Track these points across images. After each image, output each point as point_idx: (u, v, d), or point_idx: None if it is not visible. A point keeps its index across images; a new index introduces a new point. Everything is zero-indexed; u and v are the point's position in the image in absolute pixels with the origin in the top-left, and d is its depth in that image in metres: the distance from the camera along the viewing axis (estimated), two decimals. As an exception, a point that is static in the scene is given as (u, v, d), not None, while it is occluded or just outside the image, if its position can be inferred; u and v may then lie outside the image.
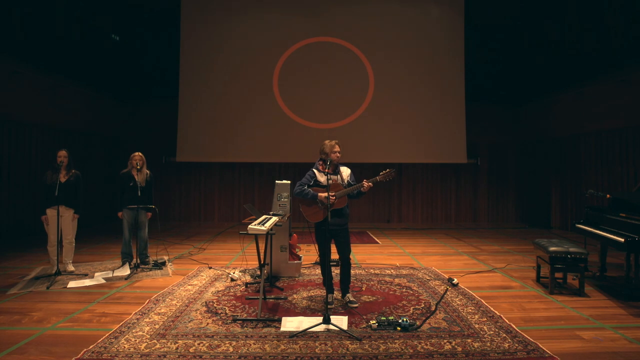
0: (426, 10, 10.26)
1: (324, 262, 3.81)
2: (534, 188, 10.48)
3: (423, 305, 3.87)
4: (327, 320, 3.23)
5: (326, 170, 3.76)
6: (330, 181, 3.68)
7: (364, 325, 3.35)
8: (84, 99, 9.03)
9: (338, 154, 3.79)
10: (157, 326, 3.31)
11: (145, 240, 5.48)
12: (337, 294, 4.11)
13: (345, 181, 3.88)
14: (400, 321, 3.28)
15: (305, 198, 3.75)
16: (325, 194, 3.57)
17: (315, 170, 3.88)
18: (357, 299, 4.01)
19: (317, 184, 3.82)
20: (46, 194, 4.87)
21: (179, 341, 3.02)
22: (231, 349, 2.89)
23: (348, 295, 3.95)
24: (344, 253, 3.89)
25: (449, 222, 10.74)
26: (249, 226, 3.59)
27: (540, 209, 10.13)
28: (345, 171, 3.94)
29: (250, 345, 2.96)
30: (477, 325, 3.35)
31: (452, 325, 3.37)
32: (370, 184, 3.66)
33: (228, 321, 3.43)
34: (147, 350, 2.87)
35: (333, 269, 4.35)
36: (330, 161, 3.74)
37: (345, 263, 3.93)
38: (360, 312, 3.68)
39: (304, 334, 3.14)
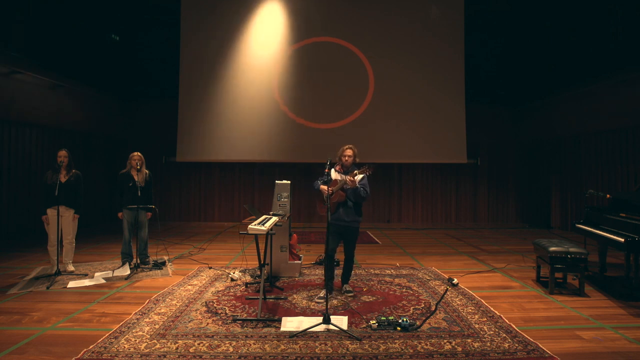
0: (426, 10, 10.25)
1: (327, 255, 4.04)
2: (534, 188, 10.48)
3: (423, 305, 3.87)
4: (327, 320, 3.23)
5: (336, 169, 4.18)
6: (339, 178, 4.08)
7: (364, 325, 3.35)
8: (84, 99, 9.03)
9: (347, 158, 4.13)
10: (157, 326, 3.31)
11: (145, 241, 5.48)
12: (336, 294, 4.18)
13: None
14: (400, 321, 3.28)
15: (314, 188, 4.18)
16: (326, 187, 3.96)
17: (333, 170, 4.25)
18: (357, 299, 4.06)
19: (330, 181, 4.17)
20: (46, 194, 4.87)
21: (179, 341, 3.02)
22: (231, 349, 2.89)
23: (346, 285, 4.29)
24: (348, 252, 4.23)
25: (449, 222, 10.74)
26: (249, 226, 3.60)
27: (540, 209, 10.13)
28: (353, 174, 4.07)
29: (250, 345, 2.96)
30: (477, 325, 3.35)
31: (452, 325, 3.37)
32: (352, 178, 3.93)
33: (228, 321, 3.43)
34: (147, 350, 2.87)
35: (335, 269, 4.43)
36: (342, 163, 4.15)
37: (348, 259, 4.27)
38: (360, 312, 3.68)
39: (304, 334, 3.14)
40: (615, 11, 8.17)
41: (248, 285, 4.51)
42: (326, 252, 3.99)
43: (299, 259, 5.19)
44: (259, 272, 4.80)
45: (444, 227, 9.89)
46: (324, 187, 3.96)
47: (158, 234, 6.86)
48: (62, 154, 4.97)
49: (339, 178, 4.09)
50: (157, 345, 2.95)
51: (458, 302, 3.97)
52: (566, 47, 9.56)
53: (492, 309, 3.75)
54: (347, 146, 4.19)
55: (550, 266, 4.27)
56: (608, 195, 5.09)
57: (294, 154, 9.96)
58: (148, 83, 10.78)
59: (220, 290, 4.32)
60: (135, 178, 5.26)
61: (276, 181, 4.98)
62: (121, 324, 3.35)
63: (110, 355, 2.78)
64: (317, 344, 2.98)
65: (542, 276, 4.72)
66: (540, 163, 10.22)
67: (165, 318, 3.50)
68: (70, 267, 5.09)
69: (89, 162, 9.50)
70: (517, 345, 2.97)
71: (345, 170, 4.15)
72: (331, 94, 10.05)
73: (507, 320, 3.45)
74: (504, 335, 3.15)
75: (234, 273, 4.93)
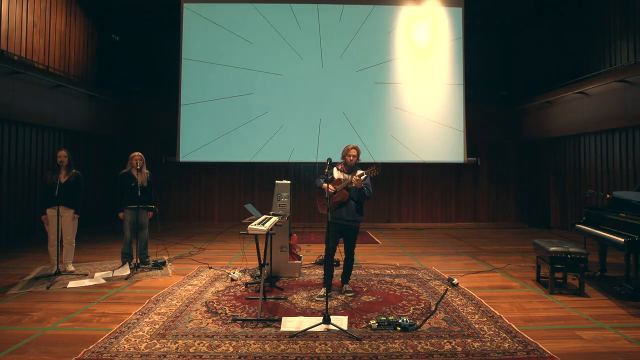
0: (426, 9, 10.26)
1: (327, 254, 4.05)
2: (534, 188, 10.48)
3: (423, 305, 3.87)
4: (327, 320, 3.23)
5: (339, 167, 4.18)
6: (342, 177, 4.11)
7: (364, 325, 3.35)
8: (84, 98, 9.03)
9: (352, 157, 4.13)
10: (157, 326, 3.31)
11: (146, 241, 5.47)
12: (336, 294, 4.18)
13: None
14: (400, 321, 3.28)
15: (316, 186, 4.20)
16: (329, 185, 3.97)
17: (335, 169, 4.22)
18: (357, 299, 4.06)
19: (333, 180, 4.17)
20: (46, 194, 4.86)
21: (179, 341, 3.02)
22: (231, 349, 2.89)
23: (346, 285, 4.29)
24: (348, 251, 4.23)
25: (449, 222, 10.74)
26: (249, 226, 3.60)
27: (540, 209, 10.13)
28: (357, 173, 4.08)
29: (250, 345, 2.96)
30: (477, 325, 3.35)
31: (452, 325, 3.36)
32: (357, 177, 3.93)
33: (228, 321, 3.43)
34: (147, 350, 2.87)
35: (335, 269, 4.44)
36: (346, 163, 4.14)
37: (348, 257, 4.27)
38: (360, 312, 3.68)
39: (304, 334, 3.14)
40: (615, 10, 8.16)
41: (248, 285, 4.51)
42: (326, 250, 4.01)
43: (299, 259, 5.19)
44: (259, 272, 4.80)
45: (444, 227, 9.89)
46: (327, 185, 3.96)
47: (158, 234, 6.86)
48: (62, 154, 4.97)
49: (342, 177, 4.11)
50: (157, 345, 2.95)
51: (458, 302, 3.97)
52: (566, 46, 9.55)
53: (492, 309, 3.75)
54: (351, 145, 4.18)
55: (550, 266, 4.27)
56: (608, 195, 5.09)
57: (294, 153, 9.97)
58: (148, 83, 10.78)
59: (220, 290, 4.32)
60: (137, 178, 5.26)
61: (276, 181, 4.98)
62: (121, 324, 3.35)
63: (110, 355, 2.78)
64: (317, 344, 2.98)
65: (542, 276, 4.72)
66: (540, 163, 10.22)
67: (165, 318, 3.50)
68: (70, 267, 5.09)
69: (89, 162, 9.50)
70: (517, 345, 2.97)
71: (349, 169, 4.16)
72: (331, 94, 10.06)
73: (507, 320, 3.45)
74: (504, 335, 3.15)
75: (234, 273, 4.93)
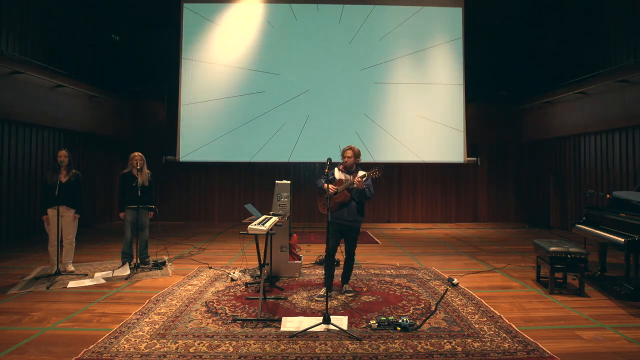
0: (426, 9, 10.26)
1: (328, 254, 4.04)
2: (534, 188, 10.49)
3: (423, 305, 3.87)
4: (327, 320, 3.23)
5: (340, 168, 4.22)
6: (343, 178, 4.15)
7: (364, 325, 3.35)
8: (84, 99, 9.03)
9: (347, 158, 4.17)
10: (157, 326, 3.31)
11: (146, 241, 5.47)
12: (336, 294, 4.18)
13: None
14: (400, 321, 3.28)
15: (317, 186, 4.24)
16: (331, 185, 4.03)
17: (336, 169, 4.27)
18: (357, 299, 4.06)
19: (334, 180, 4.21)
20: (46, 194, 4.86)
21: (179, 341, 3.02)
22: (231, 349, 2.89)
23: (346, 285, 4.30)
24: (349, 252, 4.26)
25: (449, 222, 10.74)
26: (249, 226, 3.60)
27: (540, 209, 10.13)
28: (359, 174, 4.10)
29: (250, 345, 2.96)
30: (477, 325, 3.35)
31: (452, 325, 3.36)
32: (359, 178, 3.95)
33: (228, 321, 3.43)
34: (147, 350, 2.87)
35: (335, 269, 4.44)
36: (343, 163, 4.19)
37: (349, 257, 4.28)
38: (360, 312, 3.68)
39: (304, 334, 3.14)
40: (615, 10, 8.16)
41: (248, 285, 4.51)
42: (327, 250, 4.01)
43: (299, 259, 5.19)
44: (259, 272, 4.80)
45: (444, 227, 9.89)
46: (327, 186, 3.95)
47: (158, 234, 6.86)
48: (62, 154, 4.97)
49: (344, 177, 4.13)
50: (157, 345, 2.94)
51: (458, 302, 3.97)
52: (566, 46, 9.55)
53: (492, 309, 3.75)
54: (347, 146, 4.22)
55: (550, 266, 4.26)
56: (608, 195, 5.09)
57: (294, 154, 9.97)
58: (148, 83, 10.78)
59: (220, 290, 4.32)
60: (138, 178, 5.26)
61: (276, 181, 4.98)
62: (121, 324, 3.35)
63: (110, 355, 2.78)
64: (317, 344, 2.98)
65: (542, 276, 4.72)
66: (540, 163, 10.23)
67: (165, 318, 3.49)
68: (70, 267, 5.09)
69: (89, 162, 9.50)
70: (517, 345, 2.97)
71: (348, 170, 4.17)
72: (331, 94, 10.06)
73: (507, 320, 3.45)
74: (504, 335, 3.15)
75: (234, 273, 4.93)
